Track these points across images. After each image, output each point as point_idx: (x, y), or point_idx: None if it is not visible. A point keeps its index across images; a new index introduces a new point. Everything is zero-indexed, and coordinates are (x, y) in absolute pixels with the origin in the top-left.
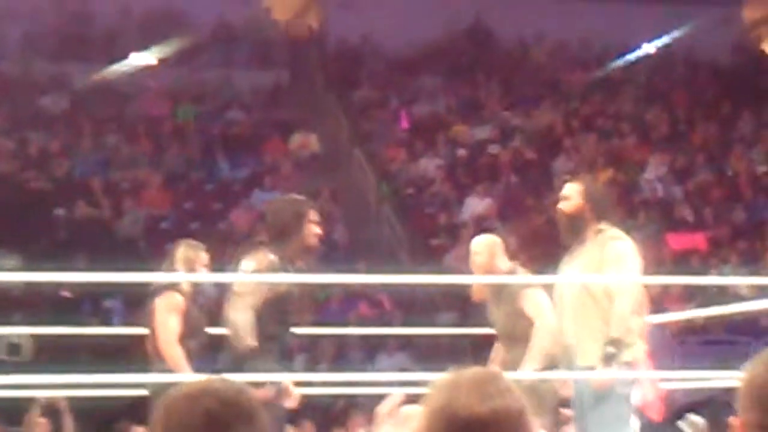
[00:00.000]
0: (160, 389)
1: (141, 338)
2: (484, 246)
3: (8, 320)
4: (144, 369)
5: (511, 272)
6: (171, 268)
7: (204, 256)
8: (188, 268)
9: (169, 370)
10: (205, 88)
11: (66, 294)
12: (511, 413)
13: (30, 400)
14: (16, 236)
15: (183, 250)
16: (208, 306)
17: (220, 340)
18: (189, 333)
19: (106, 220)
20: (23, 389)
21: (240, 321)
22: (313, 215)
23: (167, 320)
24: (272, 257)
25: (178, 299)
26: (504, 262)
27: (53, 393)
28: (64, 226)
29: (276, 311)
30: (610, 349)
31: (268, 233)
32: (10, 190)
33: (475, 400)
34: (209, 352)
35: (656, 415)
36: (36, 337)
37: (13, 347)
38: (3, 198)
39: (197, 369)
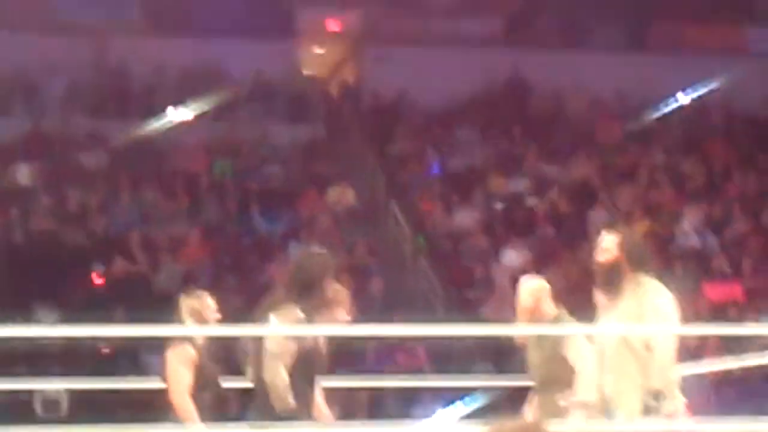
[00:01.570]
0: None
1: None
2: (533, 290)
3: (46, 376)
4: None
5: (558, 318)
6: (179, 322)
7: (211, 303)
8: (197, 318)
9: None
10: (242, 142)
11: (104, 349)
12: None
13: None
14: (55, 292)
15: (187, 302)
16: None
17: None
18: (202, 386)
19: (144, 275)
20: None
21: (277, 382)
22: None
23: (178, 373)
24: (299, 313)
25: (190, 352)
26: (551, 307)
27: None
28: (102, 282)
29: (303, 368)
30: (652, 401)
31: (292, 287)
32: (49, 246)
33: None
34: (225, 404)
35: None
36: (74, 393)
37: (50, 403)
38: (42, 254)
39: (211, 421)
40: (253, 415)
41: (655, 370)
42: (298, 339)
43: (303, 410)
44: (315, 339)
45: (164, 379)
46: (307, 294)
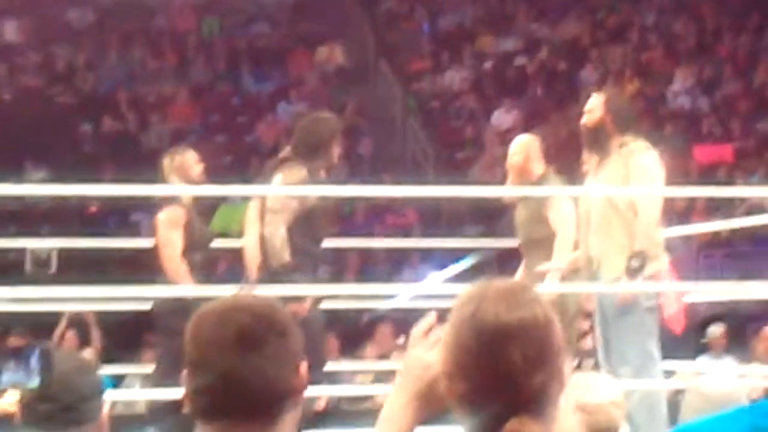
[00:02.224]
0: (162, 304)
1: None
2: (523, 146)
3: (35, 234)
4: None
5: (544, 176)
6: (165, 182)
7: (193, 155)
8: (182, 176)
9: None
10: (231, 1)
11: (93, 208)
12: (539, 322)
13: (57, 314)
14: (43, 151)
15: (170, 160)
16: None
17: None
18: (192, 247)
19: (132, 134)
20: (51, 303)
21: (276, 237)
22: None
23: (169, 235)
24: (304, 172)
25: (179, 213)
26: (539, 165)
27: (81, 307)
28: (91, 141)
29: (306, 226)
30: (635, 262)
31: (297, 148)
32: (37, 104)
33: (503, 309)
34: (214, 265)
35: (678, 327)
36: (63, 251)
37: (41, 260)
38: (30, 113)
39: (202, 282)
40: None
41: (639, 231)
42: (300, 197)
43: (300, 267)
44: (319, 198)
45: (155, 241)
46: (314, 156)
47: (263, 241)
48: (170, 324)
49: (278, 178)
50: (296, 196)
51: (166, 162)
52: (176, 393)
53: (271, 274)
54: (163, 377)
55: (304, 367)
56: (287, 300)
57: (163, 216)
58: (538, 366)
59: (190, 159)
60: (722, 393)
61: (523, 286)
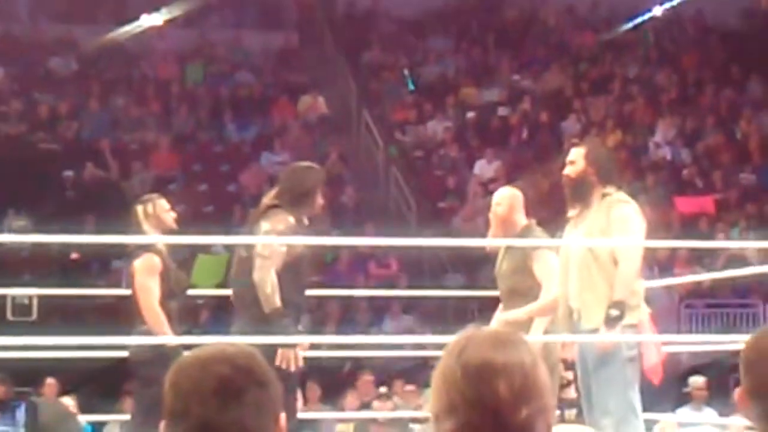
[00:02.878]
0: (139, 353)
1: None
2: (506, 198)
3: (17, 281)
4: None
5: (528, 228)
6: (139, 230)
7: (163, 203)
8: (155, 223)
9: (150, 333)
10: (214, 49)
11: (74, 255)
12: (525, 362)
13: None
14: (25, 197)
15: (142, 208)
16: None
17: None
18: (169, 294)
19: (115, 182)
20: (31, 350)
21: (267, 283)
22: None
23: (146, 283)
24: (291, 220)
25: (155, 261)
26: (522, 217)
27: (61, 354)
28: (73, 188)
29: (293, 274)
30: (614, 312)
31: (282, 197)
32: (20, 151)
33: (489, 349)
34: (191, 313)
35: (657, 378)
36: (44, 299)
37: (21, 308)
38: (12, 159)
39: (178, 331)
40: (237, 321)
41: (619, 281)
42: (288, 244)
43: (288, 314)
44: (304, 247)
45: (132, 290)
46: (299, 204)
47: (253, 286)
48: (147, 373)
49: (264, 225)
50: (285, 243)
51: (139, 209)
52: None
53: (260, 318)
54: (141, 426)
55: (283, 418)
56: (280, 347)
57: (138, 263)
58: (524, 401)
59: (161, 207)
60: None
61: (510, 332)
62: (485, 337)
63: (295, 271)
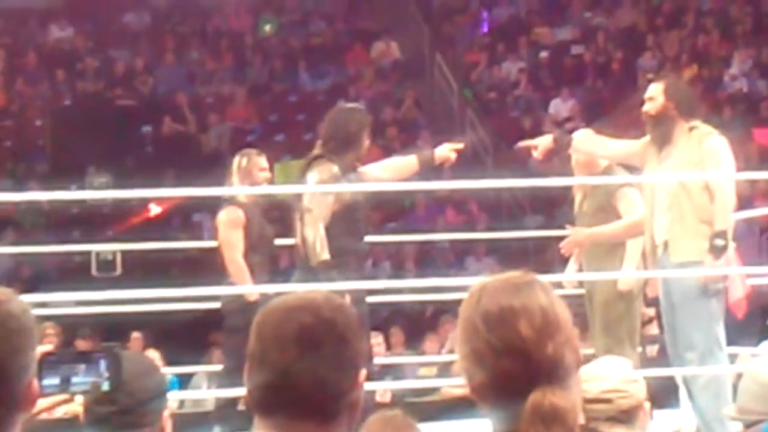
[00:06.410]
0: (228, 303)
1: None
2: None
3: (99, 237)
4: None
5: (610, 168)
6: (228, 181)
7: (260, 161)
8: (245, 177)
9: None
10: (286, 0)
11: (156, 210)
12: (542, 302)
13: (123, 316)
14: (105, 154)
15: (237, 160)
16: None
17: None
18: (252, 247)
19: (193, 135)
20: (116, 305)
21: (312, 237)
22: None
23: (229, 236)
24: (335, 169)
25: (238, 214)
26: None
27: (145, 308)
28: (152, 143)
29: (347, 222)
30: (719, 241)
31: (327, 144)
32: (97, 108)
33: (505, 295)
34: (277, 264)
35: (741, 312)
36: (127, 254)
37: (105, 263)
38: (91, 116)
39: (264, 281)
40: (296, 272)
41: (719, 212)
42: (335, 193)
43: (343, 265)
44: (355, 193)
45: (217, 242)
46: (346, 149)
47: (304, 242)
48: (236, 323)
49: (312, 176)
50: (331, 193)
51: (235, 160)
52: (241, 391)
53: (309, 272)
54: (229, 375)
55: (362, 374)
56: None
57: (222, 216)
58: (548, 336)
59: (256, 163)
60: None
61: (522, 275)
62: (499, 284)
63: (348, 218)
